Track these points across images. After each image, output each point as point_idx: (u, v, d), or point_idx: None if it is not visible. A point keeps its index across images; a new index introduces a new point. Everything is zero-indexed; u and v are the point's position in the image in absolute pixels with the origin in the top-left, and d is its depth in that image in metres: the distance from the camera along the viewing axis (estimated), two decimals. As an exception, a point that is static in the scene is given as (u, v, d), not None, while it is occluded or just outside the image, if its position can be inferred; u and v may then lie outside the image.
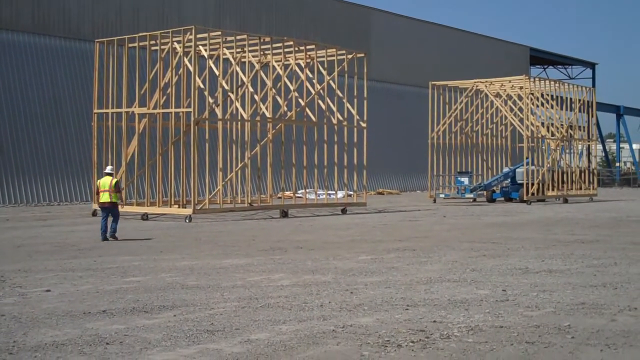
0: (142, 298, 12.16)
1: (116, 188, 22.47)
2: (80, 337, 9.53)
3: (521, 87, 50.04)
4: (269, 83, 35.74)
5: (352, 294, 12.56)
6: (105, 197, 22.29)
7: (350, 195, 39.53)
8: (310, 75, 36.75)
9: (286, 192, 42.64)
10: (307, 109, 36.08)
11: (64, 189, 41.97)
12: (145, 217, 30.55)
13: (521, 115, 49.46)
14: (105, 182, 22.44)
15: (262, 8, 57.28)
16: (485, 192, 47.88)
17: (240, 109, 34.01)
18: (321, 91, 36.40)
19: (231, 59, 34.45)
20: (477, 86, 51.20)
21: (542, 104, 50.91)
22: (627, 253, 18.46)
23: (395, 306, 11.49)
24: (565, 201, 48.25)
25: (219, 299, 12.13)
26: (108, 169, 23.31)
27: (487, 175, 52.29)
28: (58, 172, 42.08)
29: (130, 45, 33.80)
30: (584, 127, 55.50)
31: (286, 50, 35.89)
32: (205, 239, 22.43)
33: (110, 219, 22.25)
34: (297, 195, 38.01)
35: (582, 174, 52.35)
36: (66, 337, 9.54)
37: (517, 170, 48.21)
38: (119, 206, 23.42)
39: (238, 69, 34.94)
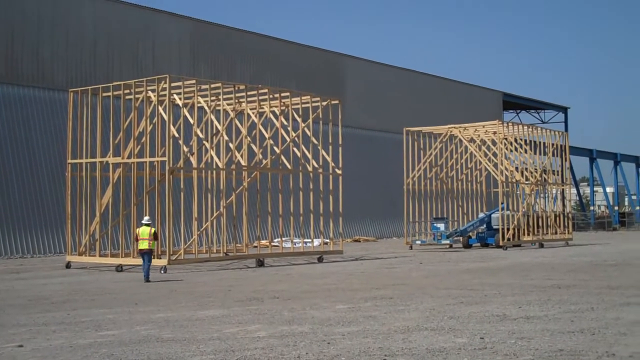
0: (117, 352, 11.97)
1: (154, 237, 26.16)
2: (53, 395, 9.34)
3: (495, 132, 50.42)
4: (244, 131, 35.76)
5: (329, 344, 12.44)
6: (144, 245, 25.80)
7: (326, 243, 39.46)
8: (285, 123, 36.85)
9: (262, 241, 42.46)
10: (283, 157, 36.11)
11: (37, 241, 41.56)
12: (120, 268, 30.28)
13: (495, 160, 49.79)
14: (145, 231, 25.93)
15: (236, 56, 57.56)
16: (461, 238, 47.98)
17: (215, 158, 33.96)
18: (296, 138, 36.47)
19: (206, 107, 34.49)
20: (451, 132, 51.54)
21: (516, 149, 51.28)
22: (603, 297, 18.46)
23: (373, 356, 11.38)
24: (541, 246, 48.38)
25: (195, 351, 11.97)
26: (145, 220, 26.62)
27: (462, 221, 52.43)
28: (31, 224, 41.70)
29: (105, 94, 33.77)
30: (557, 171, 55.92)
31: (261, 97, 35.99)
32: (180, 290, 22.22)
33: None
34: (273, 243, 37.86)
35: (557, 218, 52.59)
36: (38, 395, 9.35)
37: (493, 215, 48.37)
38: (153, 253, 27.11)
39: (213, 117, 34.97)
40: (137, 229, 26.81)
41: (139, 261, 31.17)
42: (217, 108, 36.46)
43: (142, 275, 26.02)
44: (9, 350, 12.38)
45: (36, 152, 43.77)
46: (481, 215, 50.07)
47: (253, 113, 36.58)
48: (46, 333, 14.06)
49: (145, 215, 28.89)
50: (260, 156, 35.86)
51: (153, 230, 26.32)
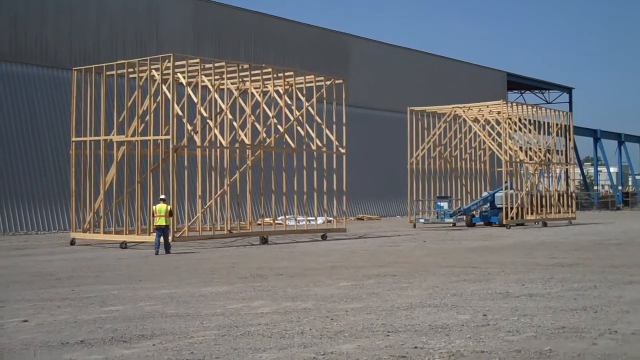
0: (121, 327, 12.04)
1: (170, 213, 27.47)
2: (58, 368, 9.40)
3: (499, 112, 50.35)
4: (248, 110, 35.75)
5: (332, 320, 12.49)
6: (161, 221, 27.10)
7: (330, 221, 39.51)
8: (289, 102, 36.81)
9: (266, 219, 42.52)
10: (286, 136, 36.11)
11: (42, 218, 41.68)
12: (124, 245, 30.36)
13: (499, 140, 49.74)
14: (161, 207, 27.31)
15: (241, 35, 57.42)
16: (464, 217, 48.01)
17: (219, 136, 33.97)
18: (300, 117, 36.44)
19: (210, 86, 34.45)
20: (455, 111, 51.45)
21: (520, 129, 51.21)
22: (606, 276, 18.49)
23: (376, 332, 11.43)
24: (545, 225, 48.42)
25: (198, 327, 12.03)
26: (162, 196, 28.15)
27: (466, 200, 52.43)
28: (36, 201, 41.80)
29: (108, 73, 33.73)
30: (561, 151, 55.85)
31: (265, 77, 35.93)
32: (184, 267, 22.30)
33: (162, 239, 27.09)
34: (276, 221, 37.92)
35: (561, 198, 52.60)
36: (43, 368, 9.41)
37: (496, 194, 48.38)
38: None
39: (217, 96, 34.93)
40: (154, 206, 28.03)
41: (143, 238, 31.41)
42: (221, 87, 36.44)
43: (153, 250, 26.78)
44: (14, 324, 12.45)
45: (40, 130, 43.79)
46: (485, 194, 50.09)
47: (257, 92, 36.54)
48: (50, 308, 14.13)
49: (162, 194, 29.43)
50: (264, 135, 35.85)
51: (169, 207, 27.67)
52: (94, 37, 48.12)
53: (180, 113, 32.40)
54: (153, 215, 27.93)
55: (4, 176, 41.08)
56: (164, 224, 27.23)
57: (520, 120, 51.04)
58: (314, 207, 36.92)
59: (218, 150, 36.24)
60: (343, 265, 22.14)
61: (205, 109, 34.74)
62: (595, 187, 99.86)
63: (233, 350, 10.27)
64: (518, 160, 49.65)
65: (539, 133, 52.40)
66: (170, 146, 30.62)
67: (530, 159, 50.55)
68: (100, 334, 11.49)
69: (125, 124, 32.66)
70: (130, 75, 33.74)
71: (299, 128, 36.60)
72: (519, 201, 47.25)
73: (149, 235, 32.05)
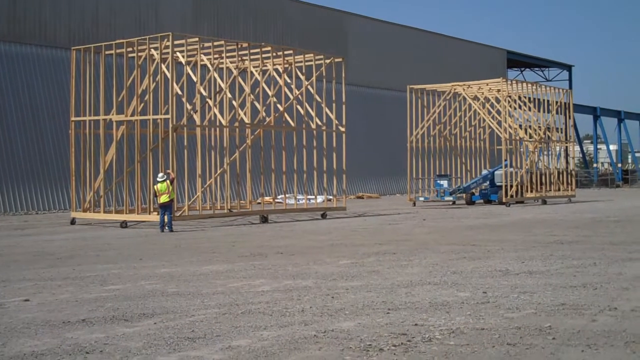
0: (122, 306, 12.07)
1: (171, 184, 28.16)
2: (60, 347, 9.44)
3: (499, 90, 50.28)
4: (247, 89, 35.67)
5: (333, 298, 12.53)
6: (164, 198, 27.78)
7: (330, 200, 39.53)
8: (289, 81, 36.74)
9: (266, 198, 42.52)
10: (286, 114, 36.06)
11: (42, 198, 41.68)
12: (124, 224, 30.41)
13: (499, 118, 49.69)
14: (162, 186, 27.82)
15: (240, 13, 57.23)
16: (464, 195, 48.04)
17: (219, 115, 33.93)
18: (299, 96, 36.38)
19: (209, 65, 34.37)
20: (455, 89, 51.37)
21: (520, 107, 51.15)
22: (606, 253, 18.53)
23: (376, 310, 11.46)
24: (544, 202, 48.46)
25: (199, 305, 12.07)
26: (160, 176, 28.41)
27: (466, 178, 52.47)
28: (36, 181, 41.79)
29: (107, 52, 33.64)
30: (561, 128, 55.82)
31: (264, 55, 35.84)
32: (185, 246, 22.34)
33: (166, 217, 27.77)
34: (276, 200, 37.94)
35: (560, 176, 52.62)
36: (45, 347, 9.44)
37: (496, 172, 48.39)
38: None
39: (216, 75, 34.86)
40: (155, 186, 28.37)
41: (143, 217, 31.47)
42: (220, 66, 36.34)
43: (153, 230, 26.96)
44: (15, 304, 12.48)
45: (39, 110, 43.71)
46: (484, 172, 50.10)
47: (256, 71, 36.46)
48: (52, 288, 14.16)
49: (160, 172, 29.56)
50: (264, 114, 35.80)
51: (167, 182, 28.10)
52: (93, 16, 47.93)
53: (180, 92, 32.35)
54: (155, 195, 28.32)
55: (3, 156, 41.04)
56: (167, 200, 27.83)
57: (520, 98, 50.99)
58: (313, 185, 36.93)
59: (218, 129, 36.20)
60: (343, 244, 22.18)
61: (204, 88, 34.70)
62: (595, 165, 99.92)
63: (234, 329, 10.31)
64: (518, 138, 49.63)
65: (539, 111, 52.35)
66: (170, 125, 30.60)
67: (530, 136, 50.53)
68: (101, 313, 11.52)
69: (124, 103, 32.62)
70: (129, 55, 33.64)
71: (298, 107, 36.55)
72: (518, 179, 47.26)
73: (149, 214, 32.10)
